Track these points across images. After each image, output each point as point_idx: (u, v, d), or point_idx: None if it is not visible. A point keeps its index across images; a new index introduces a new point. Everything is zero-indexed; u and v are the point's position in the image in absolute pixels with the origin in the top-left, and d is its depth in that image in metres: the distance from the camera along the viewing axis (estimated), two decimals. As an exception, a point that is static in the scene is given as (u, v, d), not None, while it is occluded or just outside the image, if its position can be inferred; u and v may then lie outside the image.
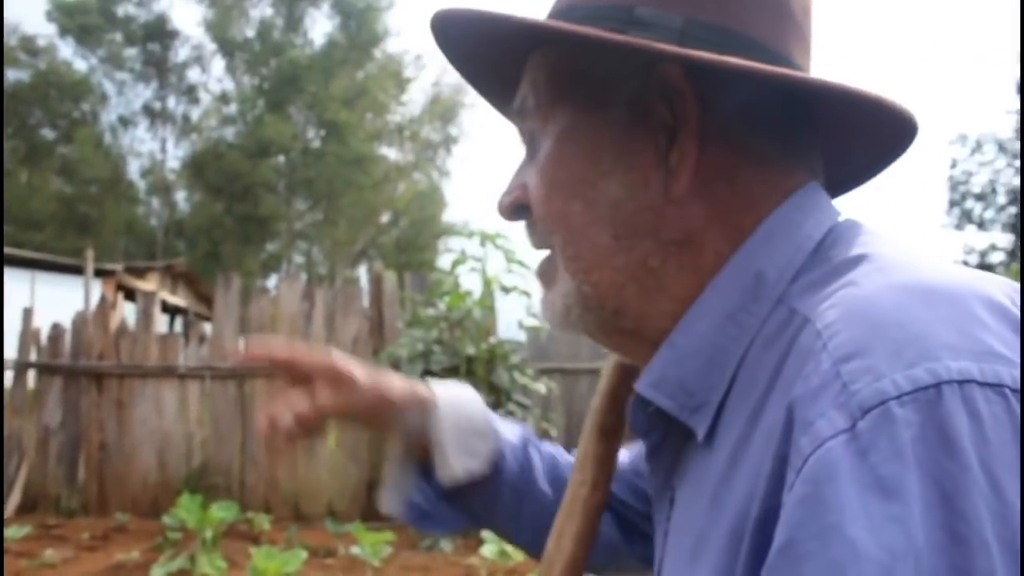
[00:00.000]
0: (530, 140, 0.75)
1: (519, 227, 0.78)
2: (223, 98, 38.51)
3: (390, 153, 36.97)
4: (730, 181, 0.67)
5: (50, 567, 5.37)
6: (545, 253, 0.75)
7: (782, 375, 0.56)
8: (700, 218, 0.67)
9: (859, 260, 0.59)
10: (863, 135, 0.73)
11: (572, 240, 0.69)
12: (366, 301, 7.11)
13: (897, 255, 0.59)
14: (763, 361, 0.60)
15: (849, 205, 0.79)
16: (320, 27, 37.61)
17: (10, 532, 6.12)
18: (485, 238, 6.22)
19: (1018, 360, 0.48)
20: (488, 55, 0.78)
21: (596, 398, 0.88)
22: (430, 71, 37.50)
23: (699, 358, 0.65)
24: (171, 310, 17.87)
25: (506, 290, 6.29)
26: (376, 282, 7.04)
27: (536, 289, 0.79)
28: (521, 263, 6.11)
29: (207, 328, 9.84)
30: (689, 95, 0.65)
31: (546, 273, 0.75)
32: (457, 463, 0.94)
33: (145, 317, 7.48)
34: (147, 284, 16.74)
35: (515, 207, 0.75)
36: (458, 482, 0.94)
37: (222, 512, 5.62)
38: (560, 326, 0.74)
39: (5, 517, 6.86)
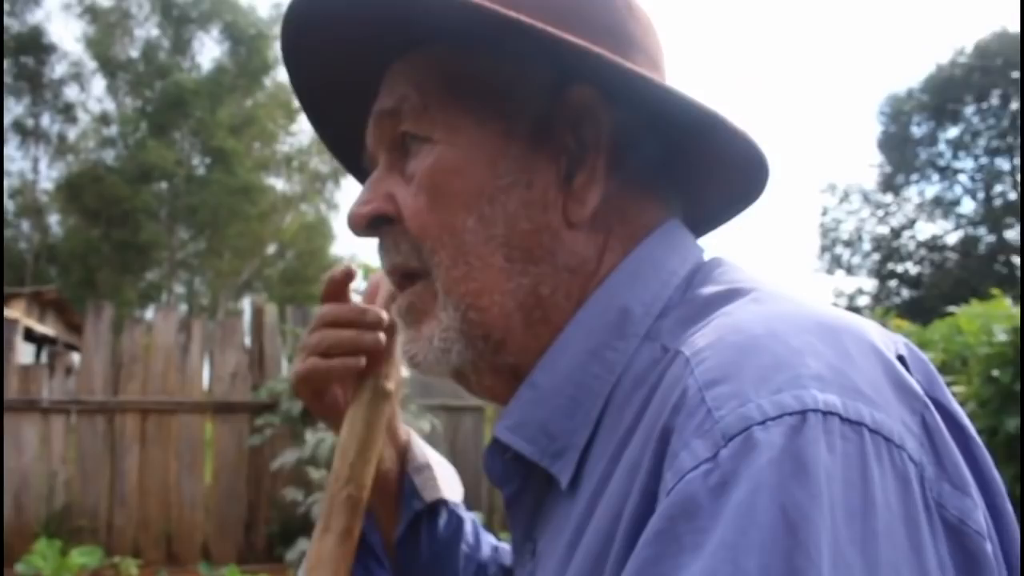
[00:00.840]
0: (397, 146, 0.68)
1: None
2: (103, 119, 37.15)
3: (278, 183, 36.41)
4: (621, 211, 0.65)
5: None
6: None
7: (650, 408, 0.54)
8: (594, 246, 0.65)
9: (732, 294, 0.58)
10: (720, 174, 0.71)
11: (461, 258, 0.63)
12: (247, 334, 6.90)
13: (771, 289, 0.58)
14: (632, 399, 0.57)
15: (724, 245, 0.79)
16: (208, 51, 36.91)
17: None
18: (371, 272, 6.15)
19: (881, 401, 0.47)
20: (346, 57, 0.71)
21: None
22: (320, 101, 37.13)
23: (560, 398, 0.61)
24: (38, 339, 16.98)
25: (392, 325, 6.22)
26: (258, 314, 6.85)
27: (401, 330, 0.72)
28: (409, 299, 6.06)
29: (75, 359, 9.35)
30: (604, 118, 0.63)
31: (415, 309, 0.68)
32: (446, 487, 0.90)
33: (5, 346, 7.04)
34: (12, 311, 15.84)
35: (374, 219, 0.67)
36: (440, 504, 0.89)
37: (83, 558, 5.30)
38: (434, 367, 0.68)
39: None
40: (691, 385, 0.49)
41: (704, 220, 0.77)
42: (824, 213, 34.61)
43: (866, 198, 33.94)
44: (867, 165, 48.22)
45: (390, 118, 0.67)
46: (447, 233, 0.63)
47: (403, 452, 0.90)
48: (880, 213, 33.58)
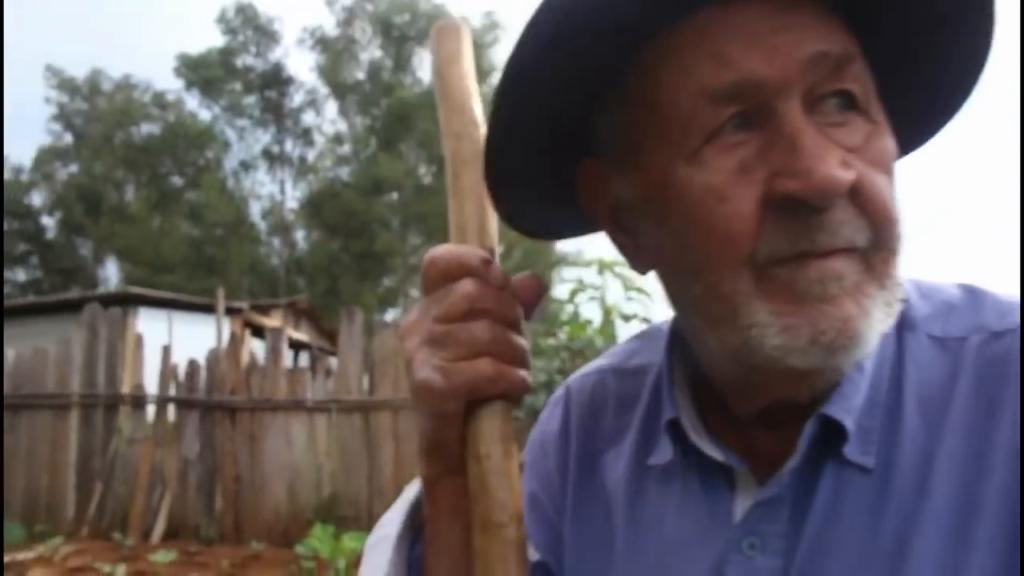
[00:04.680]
0: (811, 101, 0.58)
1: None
2: (337, 139, 39.96)
3: (501, 187, 37.42)
4: None
5: (195, 593, 5.61)
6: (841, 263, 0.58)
7: (968, 387, 0.63)
8: None
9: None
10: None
11: (900, 250, 0.61)
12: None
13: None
14: (931, 383, 0.64)
15: None
16: (428, 65, 38.53)
17: (158, 556, 6.46)
18: (603, 266, 6.23)
19: None
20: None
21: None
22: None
23: (868, 380, 0.65)
24: (295, 345, 18.49)
25: (626, 318, 6.27)
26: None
27: (845, 300, 0.58)
28: (640, 290, 6.09)
29: (333, 362, 10.14)
30: None
31: (855, 283, 0.58)
32: None
33: (274, 353, 7.77)
34: (272, 321, 17.40)
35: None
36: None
37: (353, 542, 5.77)
38: (860, 348, 0.58)
39: (152, 542, 7.22)
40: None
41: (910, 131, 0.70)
42: None
43: None
44: None
45: (834, 67, 0.58)
46: (900, 223, 0.60)
47: None
48: None
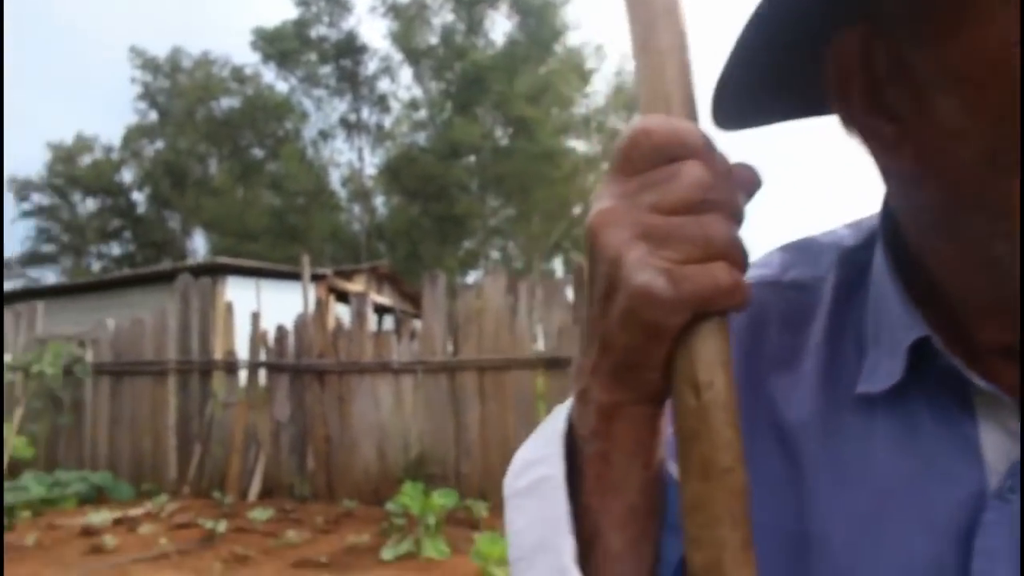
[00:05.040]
0: None
1: None
2: (413, 105, 40.12)
3: (578, 145, 37.22)
4: None
5: (293, 546, 5.81)
6: None
7: None
8: None
9: None
10: None
11: None
12: (569, 292, 7.20)
13: None
14: None
15: None
16: (500, 27, 38.34)
17: (255, 514, 6.75)
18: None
19: None
20: None
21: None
22: (611, 61, 37.48)
23: None
24: (378, 309, 18.79)
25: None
26: (578, 272, 7.10)
27: None
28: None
29: (417, 324, 10.28)
30: None
31: None
32: None
33: (359, 317, 7.91)
34: (355, 286, 17.70)
35: None
36: None
37: (443, 500, 5.87)
38: None
39: (249, 501, 7.50)
40: None
41: None
42: None
43: None
44: None
45: None
46: None
47: None
48: None
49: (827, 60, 0.58)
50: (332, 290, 16.76)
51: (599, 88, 38.05)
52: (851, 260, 0.67)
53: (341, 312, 12.43)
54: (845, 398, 0.62)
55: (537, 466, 0.61)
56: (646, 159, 0.51)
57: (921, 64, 0.53)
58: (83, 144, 44.00)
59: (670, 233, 0.50)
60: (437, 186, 34.73)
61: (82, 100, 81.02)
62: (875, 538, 0.58)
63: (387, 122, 41.17)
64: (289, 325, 8.11)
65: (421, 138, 38.86)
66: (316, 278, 15.73)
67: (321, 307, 8.09)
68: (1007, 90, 0.48)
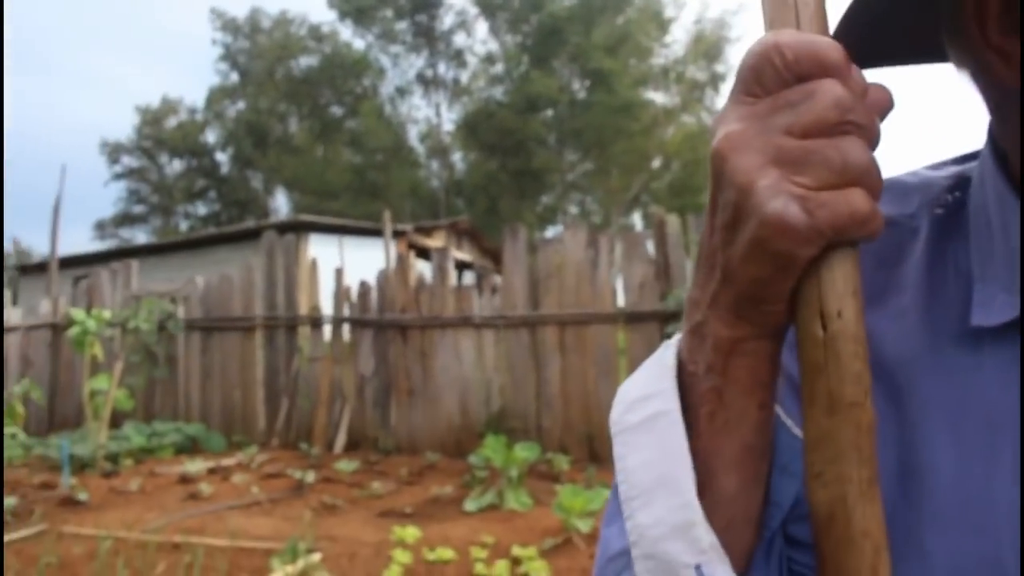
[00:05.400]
0: None
1: None
2: (489, 59, 39.92)
3: (657, 97, 36.61)
4: None
5: (378, 497, 5.95)
6: None
7: None
8: None
9: None
10: None
11: None
12: (649, 246, 7.10)
13: None
14: None
15: None
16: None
17: (341, 465, 6.93)
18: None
19: None
20: None
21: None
22: (691, 9, 36.55)
23: None
24: (458, 265, 18.92)
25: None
26: (659, 226, 6.99)
27: None
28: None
29: (497, 279, 10.30)
30: None
31: None
32: None
33: (440, 272, 7.96)
34: (435, 241, 17.84)
35: None
36: None
37: (525, 452, 5.91)
38: None
39: (335, 452, 7.70)
40: None
41: None
42: None
43: None
44: None
45: None
46: None
47: None
48: None
49: None
50: (412, 246, 16.93)
51: (678, 37, 37.47)
52: (941, 200, 0.65)
53: (422, 268, 12.56)
54: (950, 332, 0.60)
55: (650, 401, 0.59)
56: (779, 78, 0.48)
57: None
58: (169, 107, 45.12)
59: (806, 157, 0.47)
60: (514, 141, 34.60)
61: (167, 63, 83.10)
62: (986, 472, 0.56)
63: (464, 77, 41.10)
64: (372, 281, 8.22)
65: (498, 92, 38.70)
66: (397, 234, 15.91)
67: (403, 263, 8.17)
68: None
